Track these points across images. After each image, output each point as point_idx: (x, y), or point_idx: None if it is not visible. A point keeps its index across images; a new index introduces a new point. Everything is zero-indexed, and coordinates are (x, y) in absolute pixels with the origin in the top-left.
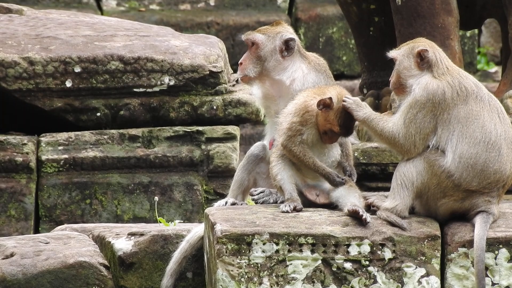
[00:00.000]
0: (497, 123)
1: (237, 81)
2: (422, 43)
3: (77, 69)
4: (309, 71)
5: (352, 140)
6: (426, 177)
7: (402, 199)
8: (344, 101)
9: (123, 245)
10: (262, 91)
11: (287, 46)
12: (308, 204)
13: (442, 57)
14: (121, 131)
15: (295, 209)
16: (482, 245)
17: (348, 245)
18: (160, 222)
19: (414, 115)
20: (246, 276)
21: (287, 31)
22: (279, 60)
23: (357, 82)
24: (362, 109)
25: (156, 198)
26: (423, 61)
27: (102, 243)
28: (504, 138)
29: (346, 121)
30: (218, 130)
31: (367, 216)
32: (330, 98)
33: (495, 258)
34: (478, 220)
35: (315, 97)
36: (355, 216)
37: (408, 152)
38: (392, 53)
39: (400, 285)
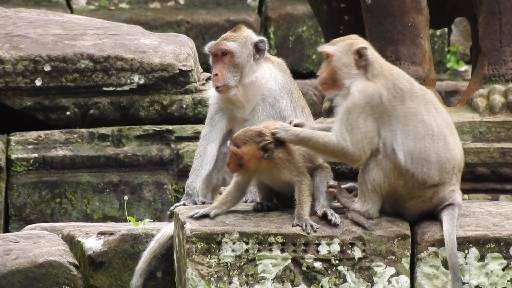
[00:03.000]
0: (435, 115)
1: (207, 79)
2: (358, 40)
3: (47, 68)
4: (276, 71)
5: None
6: (392, 178)
7: (374, 203)
8: (273, 134)
9: (92, 244)
10: (228, 98)
11: (257, 49)
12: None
13: (376, 56)
14: (90, 130)
15: (268, 208)
16: (453, 239)
17: (318, 244)
18: (130, 221)
19: (355, 120)
20: (215, 276)
21: (254, 34)
22: (252, 64)
23: None
24: (291, 131)
25: (126, 197)
26: (361, 59)
27: (72, 243)
28: (445, 126)
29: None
30: (188, 129)
31: (336, 220)
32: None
33: (465, 258)
34: (445, 216)
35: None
36: (324, 219)
37: (359, 159)
38: (327, 48)
39: (370, 284)
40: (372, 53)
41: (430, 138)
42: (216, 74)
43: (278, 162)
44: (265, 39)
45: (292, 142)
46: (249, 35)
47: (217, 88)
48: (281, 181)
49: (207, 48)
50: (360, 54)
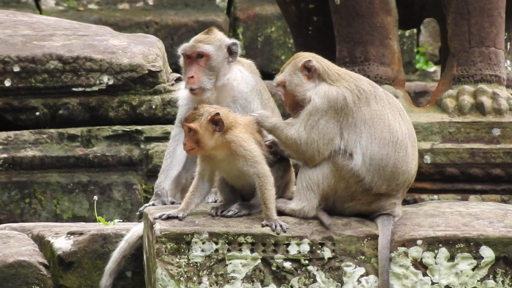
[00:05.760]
0: (400, 122)
1: (176, 80)
2: (302, 56)
3: (16, 69)
4: (247, 73)
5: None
6: (333, 181)
7: (309, 201)
8: (255, 119)
9: (62, 244)
10: (200, 100)
11: (230, 52)
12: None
13: (328, 64)
14: (60, 130)
15: (237, 215)
16: (386, 255)
17: (288, 245)
18: (100, 222)
19: (316, 122)
20: (185, 275)
21: (226, 37)
22: (225, 67)
23: None
24: (268, 119)
25: (95, 197)
26: (311, 72)
27: (42, 243)
28: (409, 136)
29: None
30: (157, 130)
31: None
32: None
33: (435, 258)
34: (380, 228)
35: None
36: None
37: (312, 158)
38: (278, 78)
39: (340, 284)
40: (319, 62)
41: (393, 145)
42: (192, 77)
43: (232, 148)
44: (238, 42)
45: (265, 128)
46: (222, 38)
47: (192, 90)
48: (239, 172)
49: (181, 49)
50: (307, 68)
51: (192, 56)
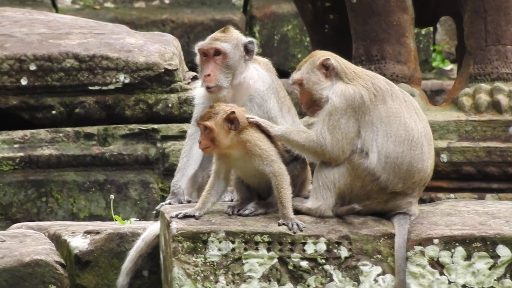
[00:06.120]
0: (416, 120)
1: (192, 79)
2: (320, 54)
3: (32, 67)
4: (263, 71)
5: None
6: (349, 179)
7: (325, 199)
8: (252, 119)
9: (79, 243)
10: (216, 99)
11: (246, 50)
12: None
13: (345, 62)
14: (76, 129)
15: (253, 214)
16: (403, 255)
17: (304, 244)
18: (116, 220)
19: (337, 121)
20: (202, 275)
21: (242, 35)
22: (242, 65)
23: None
24: (274, 125)
25: (112, 196)
26: (329, 70)
27: (58, 241)
28: (424, 134)
29: None
30: (174, 128)
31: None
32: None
33: (452, 257)
34: (397, 227)
35: None
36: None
37: (337, 158)
38: (295, 76)
39: (356, 283)
40: (337, 60)
41: (409, 143)
42: (209, 75)
43: (248, 147)
44: (255, 40)
45: (273, 134)
46: (239, 36)
47: (208, 88)
48: (254, 171)
49: (197, 46)
50: (325, 66)
51: (209, 54)
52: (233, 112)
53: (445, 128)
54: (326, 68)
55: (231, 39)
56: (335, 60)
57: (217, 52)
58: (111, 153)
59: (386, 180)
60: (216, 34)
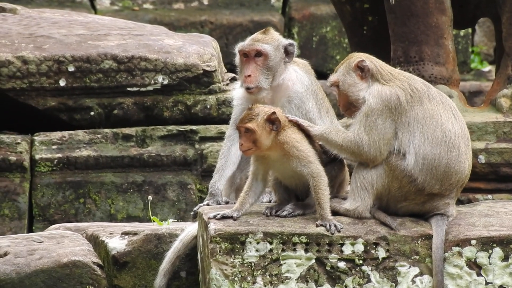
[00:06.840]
0: (453, 121)
1: (231, 80)
2: (356, 56)
3: (71, 68)
4: (302, 73)
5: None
6: (386, 180)
7: (363, 200)
8: (293, 119)
9: (116, 244)
10: (255, 100)
11: (286, 52)
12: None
13: (381, 64)
14: (114, 130)
15: (291, 215)
16: (440, 256)
17: (342, 244)
18: (154, 221)
19: (373, 122)
20: (239, 275)
21: (282, 37)
22: (282, 67)
23: None
24: (314, 125)
25: (150, 197)
26: (364, 72)
27: (96, 242)
28: (462, 136)
29: None
30: (212, 129)
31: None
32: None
33: (489, 258)
34: (435, 228)
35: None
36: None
37: (374, 159)
38: (331, 78)
39: (394, 284)
40: (372, 62)
41: (446, 145)
42: (249, 75)
43: (286, 148)
44: (295, 43)
45: (313, 133)
46: (279, 38)
47: (248, 89)
48: (292, 172)
49: (238, 47)
50: (360, 68)
51: (250, 55)
52: (274, 113)
53: (483, 129)
54: (361, 70)
55: (272, 41)
56: (371, 61)
57: (258, 54)
58: (149, 154)
59: (423, 182)
60: (257, 35)
